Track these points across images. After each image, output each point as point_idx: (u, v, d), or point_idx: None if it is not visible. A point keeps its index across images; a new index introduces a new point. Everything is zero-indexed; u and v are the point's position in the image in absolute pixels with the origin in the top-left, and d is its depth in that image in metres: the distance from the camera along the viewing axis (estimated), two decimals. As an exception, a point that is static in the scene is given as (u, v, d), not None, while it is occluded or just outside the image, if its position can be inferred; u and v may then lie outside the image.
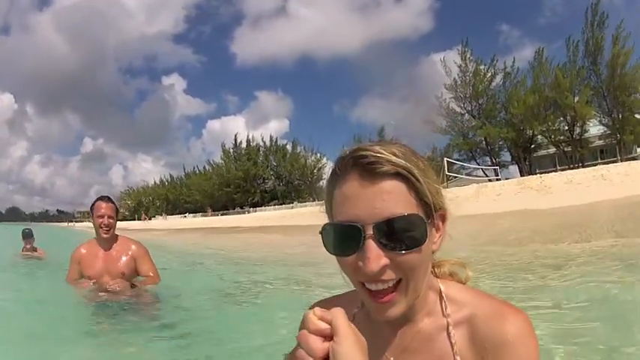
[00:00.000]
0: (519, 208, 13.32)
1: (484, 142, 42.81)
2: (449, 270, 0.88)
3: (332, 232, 0.74)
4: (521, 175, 34.00)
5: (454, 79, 41.75)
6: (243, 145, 63.69)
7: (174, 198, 73.97)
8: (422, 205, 0.72)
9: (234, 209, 56.36)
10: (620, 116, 36.08)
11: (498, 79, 41.52)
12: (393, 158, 0.70)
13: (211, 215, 54.05)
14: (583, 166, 29.86)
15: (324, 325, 0.61)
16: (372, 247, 0.69)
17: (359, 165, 0.71)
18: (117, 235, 3.65)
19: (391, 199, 0.69)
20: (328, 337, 0.61)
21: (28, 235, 8.23)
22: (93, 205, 3.56)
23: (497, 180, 27.75)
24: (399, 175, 0.70)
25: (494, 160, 43.13)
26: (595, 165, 24.53)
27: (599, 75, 35.85)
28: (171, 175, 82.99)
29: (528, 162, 41.90)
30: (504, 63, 41.65)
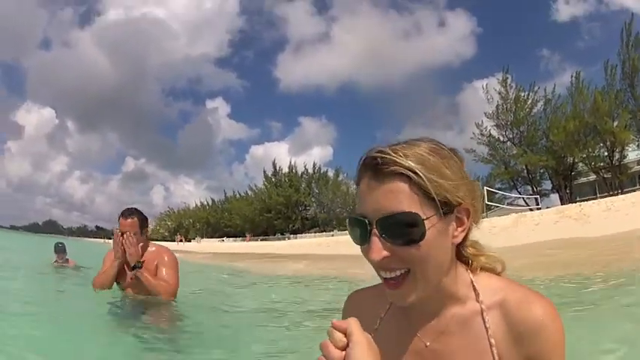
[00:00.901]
0: (557, 237, 12.97)
1: (525, 171, 42.41)
2: (484, 262, 0.91)
3: (349, 224, 0.84)
4: (562, 204, 33.67)
5: (496, 106, 41.82)
6: (285, 170, 64.89)
7: (214, 221, 75.52)
8: (429, 203, 0.77)
9: (274, 235, 57.15)
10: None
11: (539, 105, 41.14)
12: (399, 159, 0.76)
13: (249, 240, 54.79)
14: (622, 192, 29.18)
15: (340, 335, 0.71)
16: (374, 240, 0.78)
17: (369, 166, 0.80)
18: (149, 245, 3.57)
19: (394, 197, 0.76)
20: (345, 345, 0.70)
21: (60, 250, 8.27)
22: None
23: (537, 209, 27.54)
24: (403, 175, 0.76)
25: (535, 189, 42.49)
26: (634, 191, 24.17)
27: (637, 98, 34.39)
28: (212, 199, 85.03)
29: (569, 190, 41.13)
30: (545, 89, 41.11)
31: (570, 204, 25.94)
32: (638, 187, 34.50)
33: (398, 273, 0.80)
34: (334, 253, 17.97)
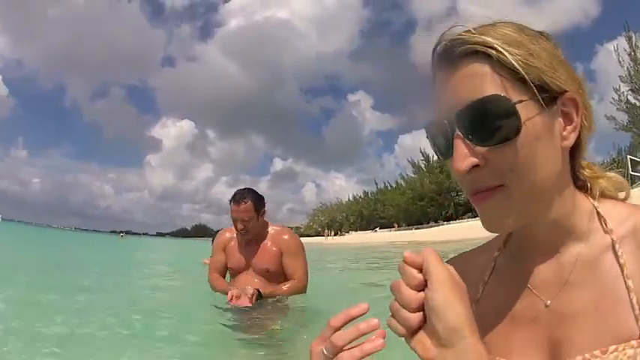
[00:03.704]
0: None
1: None
2: (605, 187, 0.72)
3: (429, 136, 0.68)
4: None
5: (627, 68, 37.47)
6: (435, 157, 63.13)
7: (368, 214, 77.57)
8: (520, 87, 0.60)
9: (427, 223, 56.92)
10: None
11: None
12: (471, 37, 0.61)
13: (397, 229, 56.13)
14: None
15: (414, 272, 0.58)
16: (456, 144, 0.61)
17: (439, 54, 0.65)
18: (267, 225, 3.42)
19: (472, 83, 0.60)
20: (422, 284, 0.58)
21: None
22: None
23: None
24: (479, 53, 0.60)
25: None
26: None
27: None
28: (364, 192, 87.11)
29: None
30: None
31: None
32: None
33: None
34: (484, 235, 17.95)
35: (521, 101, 0.59)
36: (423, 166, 65.33)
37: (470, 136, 0.61)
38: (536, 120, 0.60)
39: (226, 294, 3.15)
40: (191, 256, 12.63)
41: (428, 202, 61.90)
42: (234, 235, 3.43)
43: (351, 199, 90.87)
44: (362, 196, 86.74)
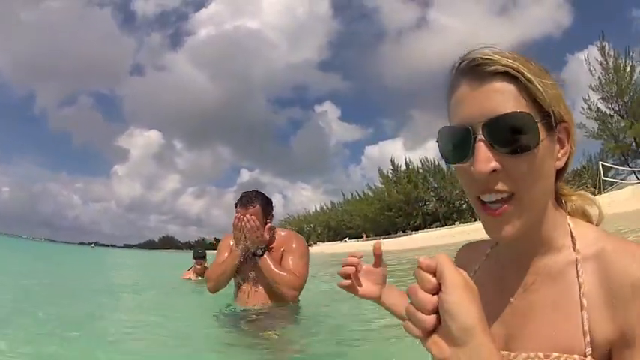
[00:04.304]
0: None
1: (634, 144, 38.96)
2: (577, 205, 0.84)
3: (445, 136, 0.76)
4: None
5: (598, 77, 38.94)
6: (403, 167, 64.93)
7: (335, 224, 77.97)
8: (536, 108, 0.71)
9: (396, 233, 57.37)
10: None
11: (637, 71, 37.48)
12: (501, 59, 0.71)
13: (365, 240, 56.46)
14: None
15: (428, 276, 0.62)
16: (481, 148, 0.69)
17: (467, 68, 0.74)
18: (277, 230, 3.22)
19: (500, 97, 0.70)
20: (437, 287, 0.61)
21: (200, 256, 7.74)
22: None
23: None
24: (507, 74, 0.70)
25: None
26: None
27: None
28: (332, 202, 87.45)
29: None
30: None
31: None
32: None
33: (503, 196, 0.72)
34: (452, 241, 17.93)
35: (541, 121, 0.71)
36: (391, 176, 66.27)
37: (495, 143, 0.70)
38: (546, 140, 0.72)
39: (236, 262, 3.09)
40: (170, 267, 12.71)
41: (396, 212, 62.80)
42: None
43: (318, 209, 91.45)
44: (329, 207, 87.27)
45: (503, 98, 0.70)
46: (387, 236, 55.82)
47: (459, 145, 0.73)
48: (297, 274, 3.03)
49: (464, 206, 55.21)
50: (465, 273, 0.63)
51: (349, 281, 1.16)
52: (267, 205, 3.11)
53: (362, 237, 62.53)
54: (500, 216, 0.72)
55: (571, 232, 0.79)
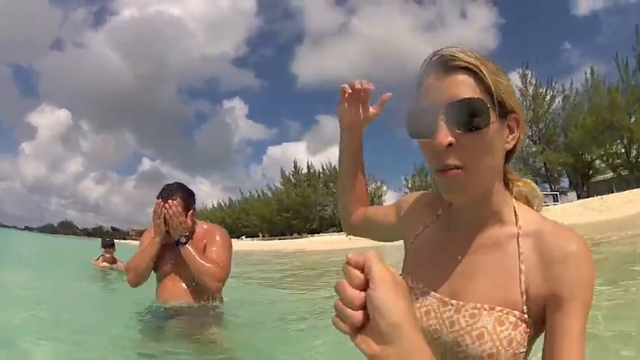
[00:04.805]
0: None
1: (544, 168, 43.50)
2: (523, 190, 0.99)
3: (413, 116, 0.89)
4: (579, 202, 34.57)
5: None
6: (304, 171, 66.12)
7: (231, 222, 77.01)
8: (490, 98, 0.84)
9: (291, 235, 58.29)
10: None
11: (557, 101, 41.99)
12: (464, 56, 0.85)
13: (261, 239, 56.86)
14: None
15: (357, 272, 0.62)
16: (441, 125, 0.82)
17: (436, 62, 0.88)
18: (199, 223, 3.13)
19: (460, 86, 0.84)
20: (365, 284, 0.61)
21: (108, 244, 8.13)
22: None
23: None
24: (468, 69, 0.84)
25: (553, 187, 43.99)
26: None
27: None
28: (230, 199, 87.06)
29: (586, 188, 41.86)
30: (562, 85, 41.89)
31: (593, 197, 26.97)
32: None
33: (453, 166, 0.84)
34: (344, 247, 18.21)
35: (492, 108, 0.84)
36: (292, 178, 66.91)
37: (453, 122, 0.83)
38: (496, 123, 0.85)
39: (154, 252, 2.93)
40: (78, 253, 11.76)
41: (293, 214, 63.53)
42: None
43: (215, 205, 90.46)
44: (227, 204, 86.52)
45: (463, 87, 0.84)
46: (282, 237, 55.97)
47: (424, 123, 0.85)
48: (222, 265, 2.94)
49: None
50: (393, 269, 0.63)
51: (349, 91, 1.22)
52: (189, 196, 3.03)
53: (258, 236, 62.14)
54: (453, 177, 0.84)
55: (515, 211, 0.93)
